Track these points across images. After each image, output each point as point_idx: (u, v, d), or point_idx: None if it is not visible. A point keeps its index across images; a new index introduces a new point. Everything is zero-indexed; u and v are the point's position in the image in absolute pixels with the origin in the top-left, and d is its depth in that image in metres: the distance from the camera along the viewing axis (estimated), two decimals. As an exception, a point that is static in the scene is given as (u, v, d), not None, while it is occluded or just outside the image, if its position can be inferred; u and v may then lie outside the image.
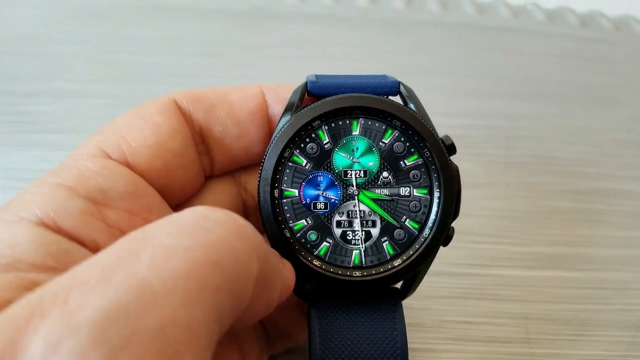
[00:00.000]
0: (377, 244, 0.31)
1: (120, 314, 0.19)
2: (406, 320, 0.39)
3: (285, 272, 0.28)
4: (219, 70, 0.55)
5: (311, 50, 0.57)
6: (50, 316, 0.18)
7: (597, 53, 0.60)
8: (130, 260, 0.20)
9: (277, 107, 0.32)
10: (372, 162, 0.31)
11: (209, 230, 0.22)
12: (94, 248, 0.25)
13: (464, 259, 0.42)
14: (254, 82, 0.34)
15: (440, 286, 0.41)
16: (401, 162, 0.31)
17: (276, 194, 0.31)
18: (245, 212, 0.34)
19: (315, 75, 0.33)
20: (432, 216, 0.31)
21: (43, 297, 0.19)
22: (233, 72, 0.55)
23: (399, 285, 0.33)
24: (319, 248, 0.31)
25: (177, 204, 0.31)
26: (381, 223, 0.31)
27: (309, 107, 0.31)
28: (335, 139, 0.31)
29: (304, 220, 0.31)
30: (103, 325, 0.18)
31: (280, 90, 0.32)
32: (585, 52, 0.60)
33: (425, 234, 0.31)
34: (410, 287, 0.32)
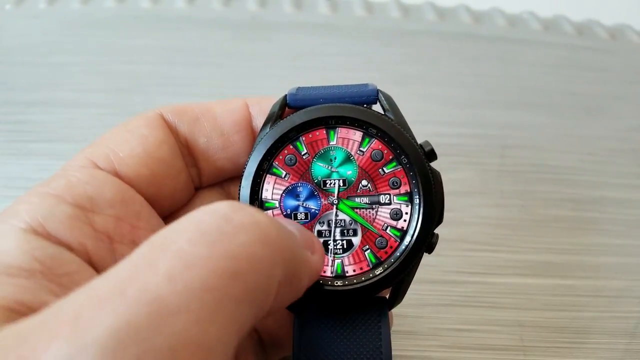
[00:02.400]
0: (359, 253, 0.32)
1: (131, 333, 0.18)
2: (401, 328, 0.39)
3: (313, 260, 0.27)
4: (216, 80, 0.55)
5: (308, 60, 0.58)
6: (61, 334, 0.18)
7: (593, 62, 0.60)
8: (146, 270, 0.20)
9: (260, 119, 0.33)
10: (350, 171, 0.32)
11: (231, 236, 0.22)
12: (81, 251, 0.26)
13: (459, 266, 0.43)
14: (251, 91, 0.34)
15: (435, 294, 0.41)
16: (380, 170, 0.32)
17: (256, 206, 0.31)
18: None
19: (297, 87, 0.33)
20: (414, 223, 0.31)
21: (57, 313, 0.19)
22: (231, 82, 0.55)
23: (387, 294, 0.33)
24: None
25: (167, 213, 0.32)
26: (362, 232, 0.32)
27: (285, 119, 0.32)
28: (313, 149, 0.32)
29: None
30: (112, 345, 0.18)
31: (263, 102, 0.33)
32: (581, 61, 0.60)
33: (407, 242, 0.31)
34: (397, 295, 0.32)
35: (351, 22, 0.62)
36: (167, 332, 0.19)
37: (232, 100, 0.33)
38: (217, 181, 0.34)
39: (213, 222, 0.22)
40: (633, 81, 0.59)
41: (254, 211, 0.23)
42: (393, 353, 0.31)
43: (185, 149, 0.32)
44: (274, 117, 0.32)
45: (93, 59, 0.56)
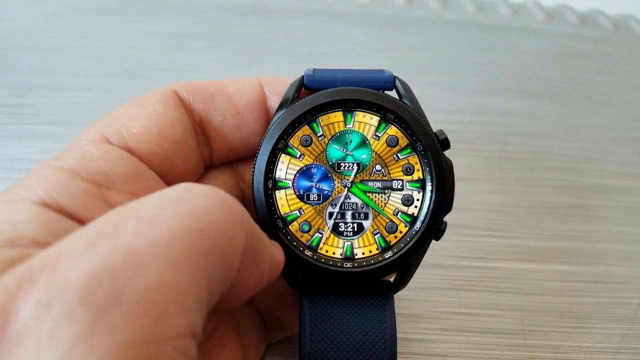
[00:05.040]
0: (369, 236, 0.32)
1: (107, 276, 0.19)
2: (403, 311, 0.40)
3: (274, 251, 0.28)
4: (219, 65, 0.55)
5: (311, 47, 0.58)
6: (39, 281, 0.19)
7: (596, 52, 0.60)
8: (115, 229, 0.21)
9: (275, 99, 0.33)
10: (365, 155, 0.32)
11: (193, 201, 0.23)
12: None
13: (461, 251, 0.43)
14: (254, 77, 0.34)
15: (437, 278, 0.41)
16: (394, 156, 0.32)
17: (270, 185, 0.31)
18: (243, 202, 0.34)
19: (313, 69, 0.33)
20: (424, 210, 0.31)
21: (32, 266, 0.20)
22: (233, 68, 0.55)
23: (391, 278, 0.33)
24: (312, 239, 0.31)
25: None
26: (373, 216, 0.32)
27: (303, 99, 0.31)
28: (330, 131, 0.32)
29: (297, 211, 0.32)
30: (90, 286, 0.19)
31: (278, 83, 0.33)
32: (584, 51, 0.60)
33: (417, 228, 0.31)
34: (402, 280, 0.32)
35: (355, 9, 0.62)
36: (142, 275, 0.20)
37: (246, 79, 0.33)
38: (227, 160, 0.34)
39: (175, 192, 0.23)
40: (635, 71, 0.59)
41: (213, 187, 0.24)
42: (395, 335, 0.32)
43: (199, 127, 0.32)
44: (291, 98, 0.32)
45: (95, 43, 0.56)
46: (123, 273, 0.19)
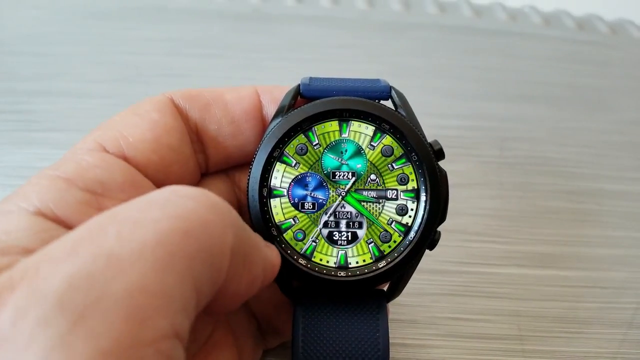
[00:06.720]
0: (363, 246, 0.32)
1: (86, 281, 0.19)
2: (400, 316, 0.40)
3: (269, 252, 0.28)
4: (218, 71, 0.55)
5: (310, 52, 0.58)
6: (18, 288, 0.19)
7: (593, 56, 0.61)
8: (97, 234, 0.21)
9: (271, 108, 0.33)
10: (360, 164, 0.32)
11: (178, 203, 0.23)
12: None
13: (458, 257, 0.43)
14: (252, 83, 0.34)
15: (434, 283, 0.41)
16: (389, 166, 0.32)
17: (265, 193, 0.31)
18: (239, 209, 0.34)
19: (309, 77, 0.33)
20: (418, 220, 0.32)
21: (13, 273, 0.20)
22: (232, 74, 0.55)
23: (385, 287, 0.33)
24: (306, 247, 0.32)
25: None
26: (367, 225, 0.32)
27: (299, 108, 0.32)
28: (325, 140, 0.32)
29: (291, 220, 0.32)
30: (68, 292, 0.19)
31: (274, 91, 0.33)
32: (582, 55, 0.60)
33: (411, 237, 0.32)
34: (395, 289, 0.32)
35: (353, 15, 0.62)
36: (122, 280, 0.20)
37: (242, 87, 0.33)
38: (223, 168, 0.34)
39: (160, 194, 0.23)
40: (632, 75, 0.59)
41: (201, 189, 0.24)
42: (391, 341, 0.32)
43: (195, 135, 0.32)
44: (287, 106, 0.32)
45: (95, 49, 0.56)
46: (102, 278, 0.19)
